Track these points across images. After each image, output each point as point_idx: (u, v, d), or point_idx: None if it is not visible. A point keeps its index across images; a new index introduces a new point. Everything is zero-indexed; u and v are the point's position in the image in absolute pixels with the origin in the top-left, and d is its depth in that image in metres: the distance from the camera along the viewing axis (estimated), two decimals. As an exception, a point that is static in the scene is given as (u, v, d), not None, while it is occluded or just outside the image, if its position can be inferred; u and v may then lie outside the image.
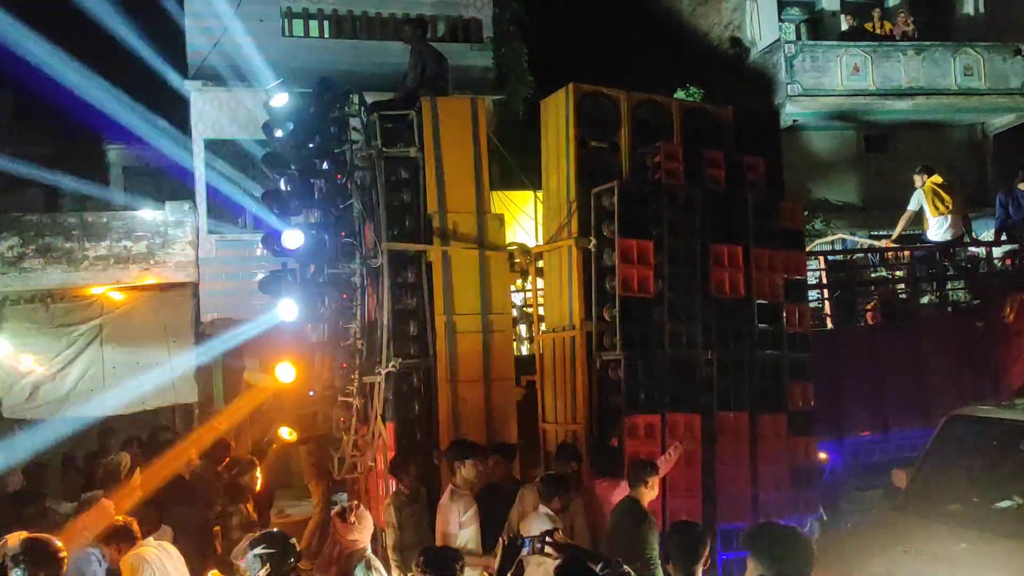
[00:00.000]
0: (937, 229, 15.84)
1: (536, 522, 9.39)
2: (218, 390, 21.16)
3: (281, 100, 12.42)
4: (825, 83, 23.13)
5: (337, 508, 8.39)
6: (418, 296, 11.95)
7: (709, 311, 11.66)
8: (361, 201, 12.13)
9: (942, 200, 15.71)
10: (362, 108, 12.83)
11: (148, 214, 20.93)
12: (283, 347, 18.81)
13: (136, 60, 20.96)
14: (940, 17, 26.22)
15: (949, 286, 15.83)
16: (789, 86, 22.73)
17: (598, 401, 11.45)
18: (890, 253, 16.37)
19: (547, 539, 6.85)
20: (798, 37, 24.54)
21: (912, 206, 16.24)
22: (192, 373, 20.68)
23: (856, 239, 17.11)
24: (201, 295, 20.84)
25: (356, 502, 8.13)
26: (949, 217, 15.69)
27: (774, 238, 12.13)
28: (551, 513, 9.56)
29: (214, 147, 21.11)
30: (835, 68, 23.20)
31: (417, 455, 11.49)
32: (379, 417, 12.00)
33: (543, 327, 12.72)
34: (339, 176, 12.12)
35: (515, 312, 13.89)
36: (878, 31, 24.36)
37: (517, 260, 13.42)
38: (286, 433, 14.12)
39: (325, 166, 12.62)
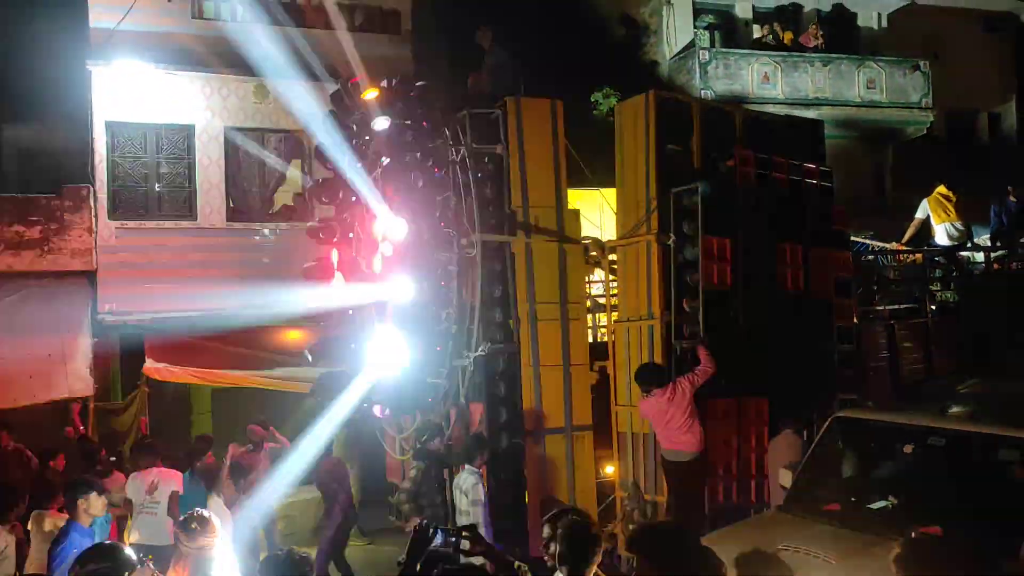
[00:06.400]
0: (941, 235, 18.53)
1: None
2: (115, 384, 21.63)
3: (371, 94, 13.71)
4: (737, 90, 25.45)
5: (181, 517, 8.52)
6: (503, 285, 13.65)
7: (776, 304, 13.82)
8: (456, 193, 13.73)
9: (945, 209, 18.43)
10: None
11: (43, 198, 20.91)
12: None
13: (35, 37, 21.44)
14: (845, 31, 29.07)
15: (938, 287, 18.43)
16: (703, 92, 24.88)
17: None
18: (901, 256, 18.91)
19: (464, 533, 6.79)
20: (712, 44, 26.92)
21: (919, 214, 18.93)
22: (88, 366, 21.15)
23: (868, 242, 19.47)
24: (99, 284, 21.00)
25: (198, 509, 8.14)
26: (952, 224, 18.38)
27: (828, 239, 14.44)
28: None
29: (117, 130, 21.45)
30: (747, 75, 25.70)
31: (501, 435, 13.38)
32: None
33: (615, 316, 14.59)
34: (436, 169, 13.61)
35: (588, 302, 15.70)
36: (787, 42, 26.90)
37: (592, 253, 15.22)
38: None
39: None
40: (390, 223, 13.35)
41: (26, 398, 19.90)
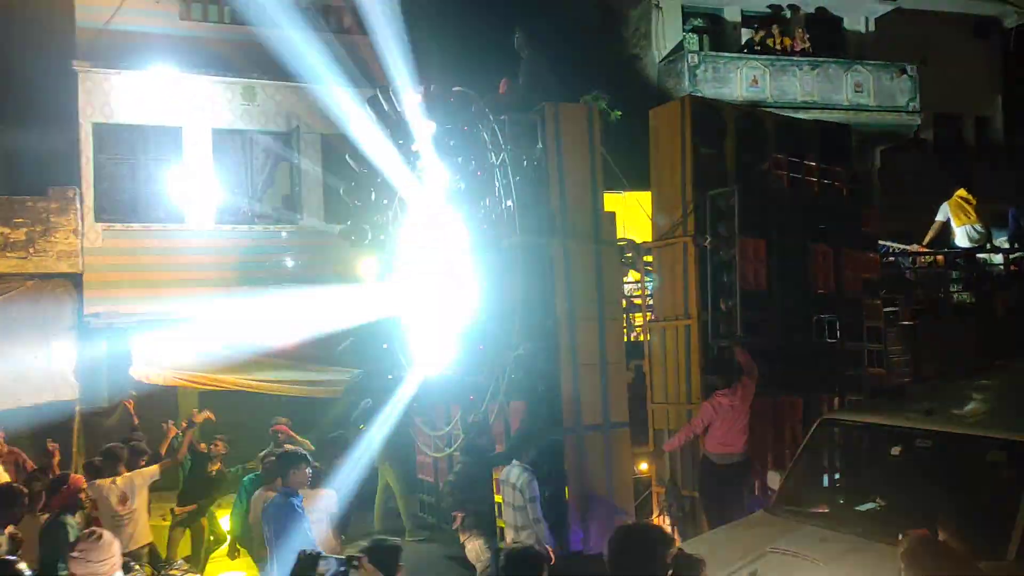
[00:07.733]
0: (962, 237, 19.40)
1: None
2: (102, 387, 21.59)
3: (415, 100, 14.30)
4: (725, 93, 25.88)
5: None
6: (541, 285, 14.18)
7: (809, 304, 14.48)
8: (496, 196, 14.25)
9: (965, 212, 19.31)
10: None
11: (29, 200, 21.06)
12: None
13: (21, 37, 21.60)
14: (832, 34, 29.98)
15: (953, 288, 19.24)
16: (691, 95, 25.38)
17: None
18: (922, 258, 19.72)
19: (354, 563, 6.73)
20: (701, 48, 27.67)
21: (940, 216, 19.83)
22: (73, 369, 21.30)
23: (890, 244, 20.16)
24: (85, 287, 21.25)
25: (93, 528, 7.34)
26: (972, 226, 19.27)
27: (857, 240, 15.12)
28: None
29: (104, 131, 21.69)
30: (735, 79, 26.43)
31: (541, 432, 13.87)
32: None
33: (650, 316, 15.18)
34: (479, 172, 14.15)
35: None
36: (776, 46, 27.67)
37: (628, 254, 15.80)
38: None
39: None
40: (431, 225, 13.86)
41: (11, 401, 19.93)
